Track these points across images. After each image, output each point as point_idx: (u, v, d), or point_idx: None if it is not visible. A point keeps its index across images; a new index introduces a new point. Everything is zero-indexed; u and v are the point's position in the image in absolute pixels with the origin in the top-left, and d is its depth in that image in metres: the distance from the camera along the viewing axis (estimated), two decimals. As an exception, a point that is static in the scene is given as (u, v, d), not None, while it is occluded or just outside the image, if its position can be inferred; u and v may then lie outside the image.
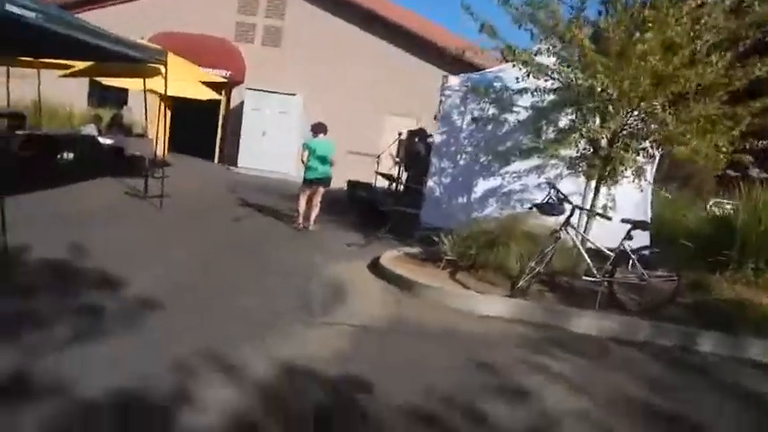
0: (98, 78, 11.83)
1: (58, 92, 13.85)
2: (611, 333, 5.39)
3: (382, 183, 14.72)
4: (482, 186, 8.82)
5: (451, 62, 16.98)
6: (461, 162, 8.83)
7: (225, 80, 12.90)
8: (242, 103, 16.55)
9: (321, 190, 8.76)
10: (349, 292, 5.81)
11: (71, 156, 11.13)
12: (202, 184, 12.40)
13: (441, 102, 8.70)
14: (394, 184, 11.54)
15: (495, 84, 8.50)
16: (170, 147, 15.76)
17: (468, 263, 6.80)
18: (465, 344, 4.82)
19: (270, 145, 16.33)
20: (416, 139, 9.74)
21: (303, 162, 8.63)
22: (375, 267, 6.85)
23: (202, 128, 17.08)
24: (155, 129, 16.27)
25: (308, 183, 8.67)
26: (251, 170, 15.98)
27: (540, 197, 8.70)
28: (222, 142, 17.58)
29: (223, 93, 16.51)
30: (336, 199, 11.97)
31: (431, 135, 10.98)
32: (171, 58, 8.83)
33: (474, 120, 8.04)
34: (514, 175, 8.71)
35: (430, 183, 8.87)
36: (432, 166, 8.87)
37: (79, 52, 7.30)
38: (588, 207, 6.98)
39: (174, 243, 6.91)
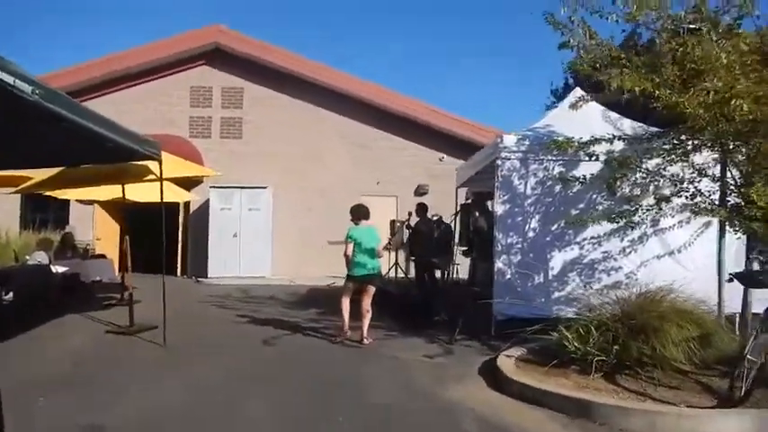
0: (54, 193, 9.66)
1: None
2: None
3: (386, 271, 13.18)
4: (559, 260, 7.40)
5: (428, 135, 16.18)
6: (530, 234, 7.42)
7: (217, 173, 10.93)
8: (204, 204, 14.64)
9: (371, 290, 7.03)
10: (518, 434, 4.07)
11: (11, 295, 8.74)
12: (185, 305, 10.23)
13: (498, 166, 7.36)
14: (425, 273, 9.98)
15: (554, 138, 7.36)
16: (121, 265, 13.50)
17: (613, 359, 5.25)
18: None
19: (243, 247, 14.41)
20: (477, 213, 8.26)
21: (347, 257, 6.92)
22: (501, 384, 5.15)
23: (154, 238, 14.92)
24: (106, 246, 14.08)
25: (355, 281, 6.93)
26: (224, 279, 13.88)
27: (625, 264, 7.49)
28: (184, 251, 15.41)
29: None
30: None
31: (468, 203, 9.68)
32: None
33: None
34: (593, 241, 7.38)
35: (498, 264, 7.35)
36: (496, 243, 7.39)
37: (75, 152, 5.43)
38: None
39: (221, 395, 4.90)
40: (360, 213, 7.17)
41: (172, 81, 15.32)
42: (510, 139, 7.39)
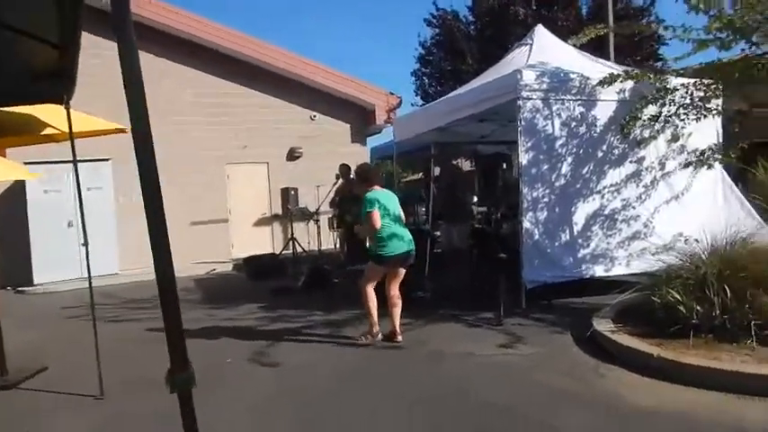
0: None
1: None
2: None
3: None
4: (582, 213, 6.45)
5: (296, 91, 14.03)
6: (557, 183, 6.32)
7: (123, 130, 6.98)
8: (15, 186, 10.72)
9: (402, 273, 5.25)
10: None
11: None
12: (46, 328, 7.17)
13: (519, 107, 6.06)
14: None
15: (570, 75, 6.41)
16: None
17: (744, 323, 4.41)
18: None
19: (82, 240, 10.89)
20: (504, 165, 6.83)
21: (372, 230, 5.01)
22: (665, 373, 3.97)
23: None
24: None
25: (391, 262, 5.08)
26: (60, 284, 10.42)
27: (642, 212, 6.82)
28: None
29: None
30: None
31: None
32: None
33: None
34: (612, 188, 6.59)
35: (526, 223, 6.11)
36: (522, 198, 6.13)
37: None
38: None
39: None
40: (372, 175, 5.31)
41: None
42: (530, 75, 6.15)
